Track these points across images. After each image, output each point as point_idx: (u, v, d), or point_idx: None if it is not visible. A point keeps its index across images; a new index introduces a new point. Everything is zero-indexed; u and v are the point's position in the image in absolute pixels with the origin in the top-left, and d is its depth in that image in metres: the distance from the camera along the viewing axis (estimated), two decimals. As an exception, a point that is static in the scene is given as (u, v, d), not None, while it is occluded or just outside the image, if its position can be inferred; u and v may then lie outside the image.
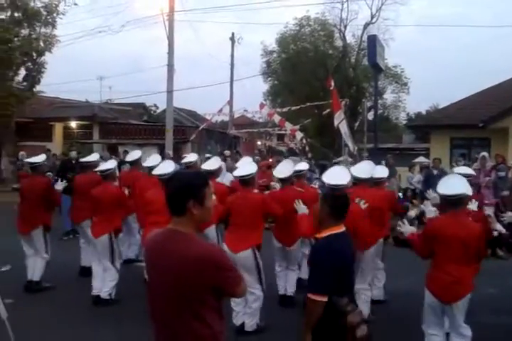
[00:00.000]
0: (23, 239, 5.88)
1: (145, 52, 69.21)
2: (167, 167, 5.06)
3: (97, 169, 5.83)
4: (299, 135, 16.87)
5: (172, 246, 1.97)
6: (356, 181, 4.83)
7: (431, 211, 4.07)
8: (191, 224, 2.02)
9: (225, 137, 24.14)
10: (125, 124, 23.56)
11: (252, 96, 40.05)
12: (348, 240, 2.86)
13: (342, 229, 2.86)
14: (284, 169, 5.23)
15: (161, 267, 1.99)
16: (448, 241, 3.54)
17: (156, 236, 2.10)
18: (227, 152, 14.69)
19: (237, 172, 4.77)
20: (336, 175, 4.24)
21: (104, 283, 5.37)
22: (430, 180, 10.22)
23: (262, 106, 18.65)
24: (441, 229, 3.62)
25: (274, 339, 4.58)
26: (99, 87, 35.80)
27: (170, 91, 17.59)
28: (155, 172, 5.10)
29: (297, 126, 17.40)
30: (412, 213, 8.65)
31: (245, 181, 4.63)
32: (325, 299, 2.62)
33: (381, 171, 5.28)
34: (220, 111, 20.60)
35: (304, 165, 5.82)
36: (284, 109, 18.43)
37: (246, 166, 4.85)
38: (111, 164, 5.72)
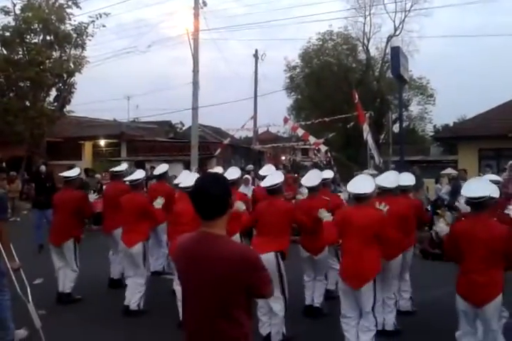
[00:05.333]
0: (53, 251, 6.03)
1: (170, 70, 70.87)
2: (193, 180, 5.13)
3: (126, 179, 5.96)
4: (324, 148, 16.88)
5: (206, 248, 2.02)
6: (381, 191, 4.78)
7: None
8: (223, 225, 2.08)
9: (250, 152, 24.29)
10: (151, 141, 24.02)
11: (275, 112, 40.22)
12: None
13: None
14: (312, 178, 5.28)
15: (196, 269, 2.03)
16: (472, 244, 3.51)
17: (188, 240, 2.14)
18: (250, 166, 14.80)
19: (264, 183, 4.83)
20: (360, 184, 4.24)
21: (132, 294, 5.45)
22: (457, 191, 10.05)
23: (285, 120, 18.77)
24: (465, 232, 3.59)
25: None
26: (126, 106, 36.74)
27: (195, 108, 17.90)
28: (181, 184, 5.19)
29: (321, 140, 17.41)
30: (442, 225, 8.51)
31: (273, 191, 4.70)
32: None
33: (407, 179, 5.22)
34: (243, 126, 20.85)
35: (329, 174, 5.84)
36: (308, 122, 18.46)
37: (273, 176, 4.90)
38: (140, 174, 5.82)
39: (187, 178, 5.36)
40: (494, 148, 15.55)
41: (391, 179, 4.93)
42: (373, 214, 4.07)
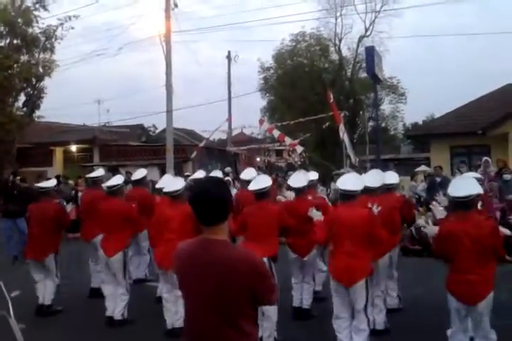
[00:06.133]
0: (32, 265, 5.83)
1: (141, 73, 69.94)
2: (177, 183, 5.05)
3: (104, 185, 5.79)
4: (300, 149, 16.94)
5: (210, 255, 1.96)
6: (368, 191, 4.75)
7: (440, 211, 4.16)
8: (225, 230, 2.03)
9: (225, 155, 24.21)
10: (125, 146, 23.62)
11: (249, 114, 40.26)
12: None
13: None
14: (299, 179, 5.27)
15: (199, 277, 1.96)
16: (464, 243, 3.53)
17: (190, 246, 2.07)
18: (228, 169, 14.75)
19: (253, 186, 4.80)
20: (349, 182, 4.25)
21: (116, 303, 5.29)
22: (433, 188, 10.25)
23: (261, 121, 18.79)
24: (455, 231, 3.61)
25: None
26: (97, 110, 36.00)
27: (169, 111, 17.70)
28: (166, 189, 5.07)
29: (297, 140, 17.49)
30: (422, 221, 8.67)
31: (262, 194, 4.68)
32: None
33: (392, 177, 5.26)
34: (219, 128, 20.76)
35: (314, 175, 5.86)
36: (284, 123, 18.52)
37: (261, 179, 4.90)
38: (118, 180, 5.65)
39: (171, 182, 5.25)
40: (465, 145, 15.93)
41: (376, 178, 4.93)
42: (363, 214, 4.07)
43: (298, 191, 5.21)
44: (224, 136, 26.86)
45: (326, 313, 4.90)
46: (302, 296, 5.27)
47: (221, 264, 1.92)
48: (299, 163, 18.91)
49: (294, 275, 5.36)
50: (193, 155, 20.02)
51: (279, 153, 33.69)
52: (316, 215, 4.46)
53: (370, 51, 10.58)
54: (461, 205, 3.61)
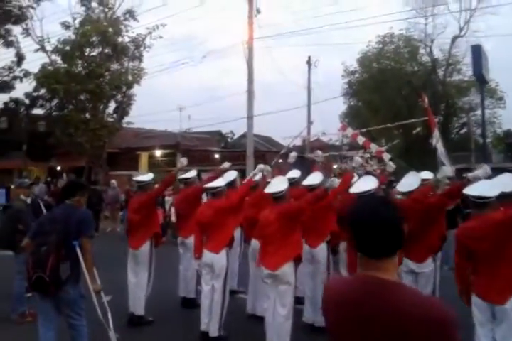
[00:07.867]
0: (130, 260, 5.68)
1: (221, 81, 71.40)
2: (280, 184, 4.70)
3: (207, 186, 5.54)
4: (387, 156, 16.02)
5: (378, 303, 1.46)
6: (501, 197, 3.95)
7: None
8: (396, 267, 1.53)
9: (302, 161, 23.76)
10: (206, 151, 24.02)
11: (327, 120, 39.39)
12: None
13: None
14: (410, 182, 4.94)
15: (362, 329, 1.48)
16: None
17: (349, 287, 1.59)
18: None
19: (355, 189, 4.64)
20: (483, 187, 3.66)
21: (211, 317, 4.91)
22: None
23: (343, 127, 18.00)
24: None
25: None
26: (177, 117, 37.08)
27: (250, 117, 17.60)
28: (268, 190, 4.74)
29: (384, 147, 16.55)
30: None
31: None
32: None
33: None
34: (300, 134, 20.31)
35: (428, 174, 5.48)
36: (370, 129, 17.64)
37: (367, 181, 4.68)
38: (221, 182, 5.36)
39: (275, 183, 4.90)
40: None
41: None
42: (497, 218, 3.45)
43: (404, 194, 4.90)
44: (299, 143, 26.42)
45: None
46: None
47: (394, 317, 1.42)
48: (378, 171, 17.96)
49: None
50: (274, 161, 19.77)
51: (355, 160, 32.55)
52: None
53: (477, 50, 9.63)
54: None
